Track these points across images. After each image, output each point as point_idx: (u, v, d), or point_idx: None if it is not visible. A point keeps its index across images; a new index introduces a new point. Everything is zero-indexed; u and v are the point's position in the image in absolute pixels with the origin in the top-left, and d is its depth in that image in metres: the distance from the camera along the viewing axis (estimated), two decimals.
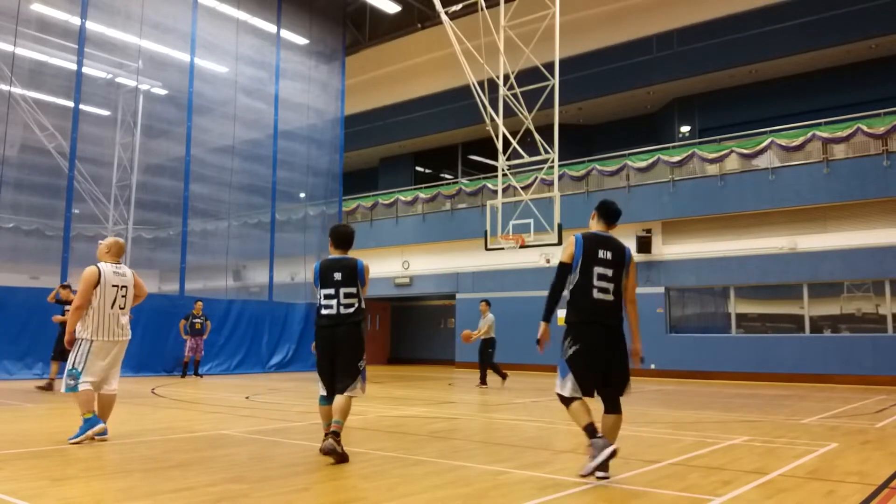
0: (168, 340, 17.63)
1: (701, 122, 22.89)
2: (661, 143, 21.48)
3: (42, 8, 17.04)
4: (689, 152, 19.65)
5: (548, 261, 21.38)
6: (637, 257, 20.31)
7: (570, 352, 5.21)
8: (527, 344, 22.73)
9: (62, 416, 8.40)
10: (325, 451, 5.46)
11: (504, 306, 22.05)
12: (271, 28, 21.62)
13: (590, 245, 5.34)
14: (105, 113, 18.85)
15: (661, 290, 19.85)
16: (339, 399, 5.64)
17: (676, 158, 19.83)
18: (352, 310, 5.78)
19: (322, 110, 23.31)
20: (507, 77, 16.91)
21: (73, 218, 16.76)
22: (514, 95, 16.71)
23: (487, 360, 14.61)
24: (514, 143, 16.75)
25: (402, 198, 25.68)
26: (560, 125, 16.47)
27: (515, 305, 21.41)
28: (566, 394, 5.07)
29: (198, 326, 17.15)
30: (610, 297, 5.29)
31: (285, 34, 22.00)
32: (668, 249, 20.05)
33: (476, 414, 9.13)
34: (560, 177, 18.48)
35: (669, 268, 19.90)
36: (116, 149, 18.63)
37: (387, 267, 25.89)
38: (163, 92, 19.90)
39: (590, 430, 4.91)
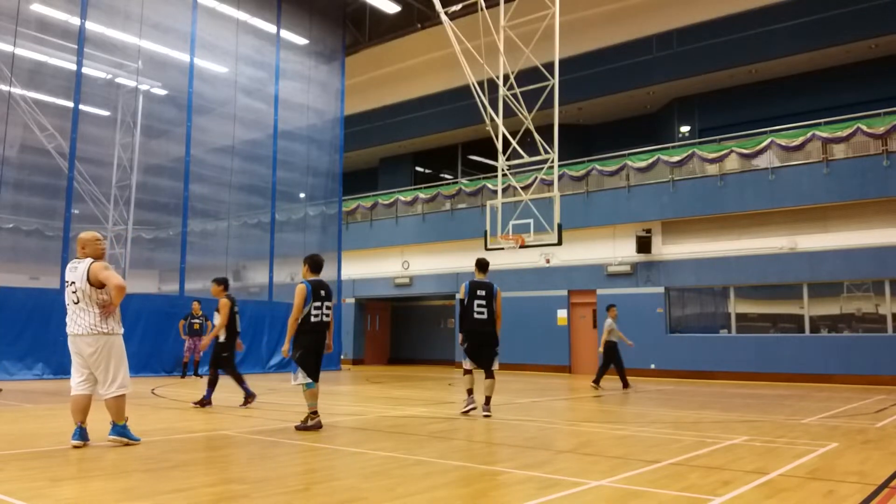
0: (168, 341, 17.62)
1: (701, 121, 22.89)
2: (661, 143, 21.48)
3: (42, 8, 17.03)
4: (689, 152, 19.64)
5: (548, 261, 21.38)
6: (637, 257, 20.32)
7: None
8: (527, 344, 22.80)
9: (60, 418, 8.39)
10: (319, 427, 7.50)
11: (505, 306, 22.06)
12: (271, 28, 21.61)
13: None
14: (105, 113, 18.84)
15: (661, 290, 19.85)
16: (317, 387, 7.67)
17: (676, 158, 19.82)
18: (329, 318, 7.82)
19: (322, 110, 23.31)
20: (506, 77, 16.90)
21: (73, 218, 16.74)
22: (514, 95, 16.69)
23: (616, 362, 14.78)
24: (514, 143, 16.74)
25: (402, 198, 25.67)
26: (560, 125, 16.46)
27: (515, 305, 21.40)
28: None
29: (196, 327, 17.15)
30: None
31: (285, 34, 22.00)
32: (667, 249, 20.05)
33: (476, 414, 9.12)
34: (560, 177, 18.49)
35: (669, 268, 19.90)
36: (116, 149, 18.61)
37: (387, 267, 25.89)
38: (163, 92, 19.89)
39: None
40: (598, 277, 21.04)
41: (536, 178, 18.51)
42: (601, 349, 14.82)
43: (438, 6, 16.90)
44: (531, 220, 16.27)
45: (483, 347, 9.10)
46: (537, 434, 7.62)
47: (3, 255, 15.93)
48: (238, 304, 10.34)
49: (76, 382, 6.24)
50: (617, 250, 20.85)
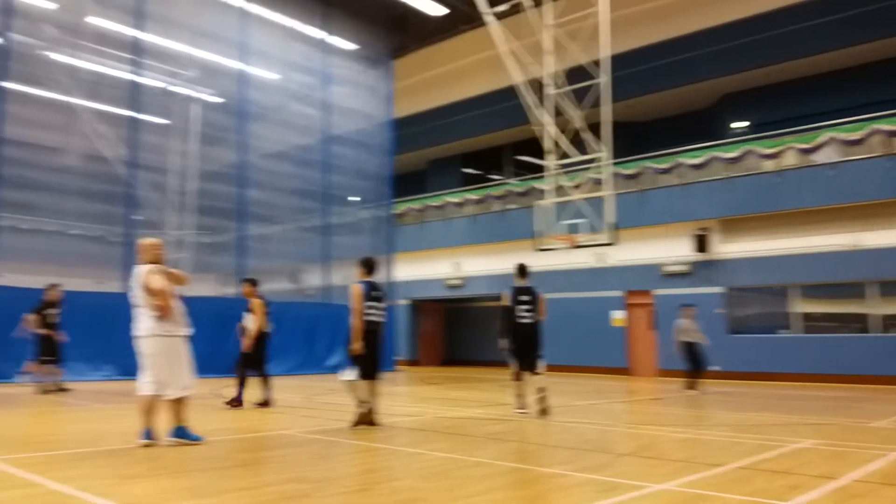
0: (228, 343, 18.01)
1: (755, 117, 22.27)
2: (713, 139, 20.96)
3: (100, 21, 17.61)
4: (745, 148, 19.13)
5: (601, 261, 21.13)
6: (694, 256, 19.90)
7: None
8: (581, 345, 22.53)
9: (128, 417, 8.66)
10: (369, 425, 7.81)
11: (556, 308, 21.86)
12: (320, 34, 21.92)
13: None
14: (163, 121, 19.41)
15: (720, 290, 19.38)
16: (376, 384, 7.97)
17: (731, 155, 19.34)
18: (384, 318, 8.12)
19: (371, 114, 23.53)
20: (554, 76, 16.77)
21: (135, 224, 17.32)
22: (562, 94, 16.56)
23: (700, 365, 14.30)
24: (563, 142, 16.61)
25: (452, 200, 25.69)
26: (611, 122, 16.24)
27: (568, 307, 21.22)
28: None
29: None
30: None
31: (333, 40, 22.27)
32: (725, 248, 19.56)
33: (533, 416, 9.07)
34: (612, 175, 18.24)
35: (728, 267, 19.41)
36: (174, 156, 19.15)
37: (438, 269, 25.94)
38: (217, 100, 20.38)
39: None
40: (654, 278, 20.68)
41: (588, 177, 18.32)
42: (679, 351, 14.32)
43: (483, 7, 16.89)
44: (583, 220, 16.10)
45: (530, 349, 9.45)
46: (595, 437, 7.53)
47: (70, 260, 16.52)
48: (270, 304, 10.44)
49: (143, 383, 6.42)
50: (672, 250, 20.45)
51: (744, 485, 4.86)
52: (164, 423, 6.54)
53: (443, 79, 27.67)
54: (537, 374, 9.43)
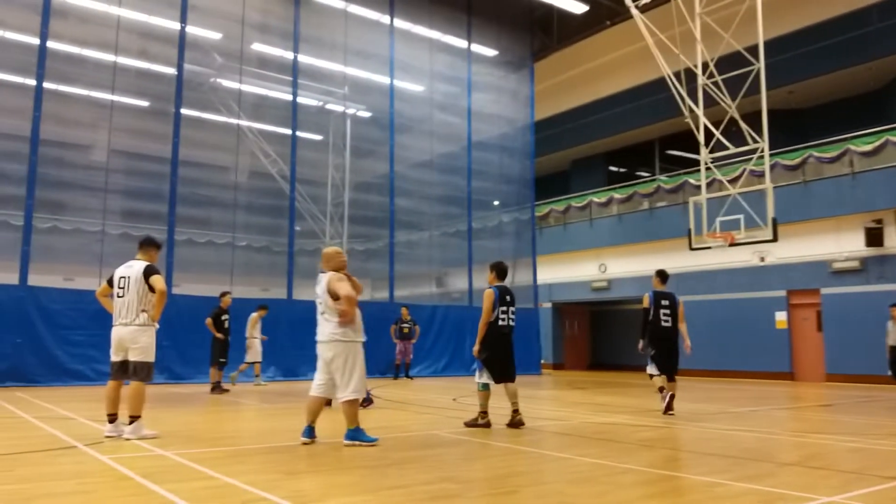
0: (381, 345, 18.81)
1: None
2: (889, 123, 19.06)
3: (261, 47, 19.07)
4: None
5: (762, 259, 19.88)
6: (866, 251, 18.24)
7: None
8: (740, 349, 21.34)
9: (291, 416, 9.28)
10: (517, 425, 7.93)
11: (713, 310, 20.84)
12: (462, 44, 22.37)
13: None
14: (318, 137, 20.65)
15: None
16: (512, 386, 8.10)
17: None
18: (514, 323, 8.22)
19: (512, 118, 23.68)
20: (705, 65, 16.02)
21: (296, 235, 18.60)
22: (715, 84, 15.78)
23: None
24: (718, 133, 15.80)
25: (596, 199, 25.22)
26: (769, 111, 15.27)
27: (726, 308, 20.16)
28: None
29: (405, 331, 18.23)
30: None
31: (475, 48, 22.65)
32: None
33: (687, 423, 8.71)
34: (772, 167, 17.04)
35: None
36: (329, 170, 20.33)
37: (583, 271, 25.54)
38: (367, 114, 21.41)
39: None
40: (821, 275, 19.13)
41: (744, 169, 17.26)
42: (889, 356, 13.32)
43: (628, 0, 16.48)
44: (741, 216, 15.24)
45: (671, 354, 9.79)
46: (756, 445, 7.11)
47: (238, 270, 17.97)
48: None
49: (316, 384, 6.73)
50: (842, 244, 18.83)
51: None
52: (339, 423, 6.88)
53: (585, 77, 27.26)
54: (672, 381, 9.79)
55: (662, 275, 10.15)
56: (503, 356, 8.10)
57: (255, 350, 15.12)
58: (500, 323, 8.04)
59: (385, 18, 20.71)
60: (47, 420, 8.28)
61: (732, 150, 15.69)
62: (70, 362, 14.46)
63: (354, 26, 20.16)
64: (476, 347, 8.11)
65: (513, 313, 8.18)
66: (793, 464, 6.02)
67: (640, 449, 6.72)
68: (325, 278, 6.72)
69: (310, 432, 6.66)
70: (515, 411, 8.01)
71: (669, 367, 9.78)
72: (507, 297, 8.16)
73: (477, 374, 8.18)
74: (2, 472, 5.09)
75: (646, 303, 9.88)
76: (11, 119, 15.30)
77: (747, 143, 15.44)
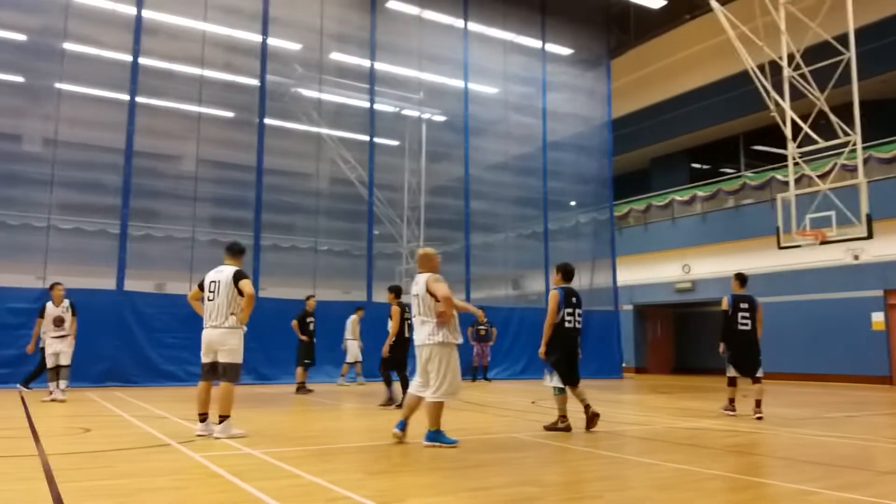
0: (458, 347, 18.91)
1: None
2: None
3: (339, 56, 19.52)
4: None
5: (856, 257, 18.89)
6: None
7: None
8: (834, 352, 20.35)
9: (372, 417, 9.45)
10: (593, 419, 7.91)
11: (804, 310, 19.94)
12: (536, 44, 22.22)
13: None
14: (395, 143, 20.96)
15: None
16: (577, 389, 8.01)
17: None
18: (581, 325, 8.12)
19: (588, 117, 23.33)
20: (791, 57, 15.38)
21: (374, 238, 18.93)
22: (801, 75, 15.12)
23: None
24: (806, 127, 15.13)
25: (678, 198, 24.54)
26: (861, 102, 14.52)
27: (817, 309, 19.25)
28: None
29: (482, 333, 18.23)
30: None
31: (550, 47, 22.45)
32: None
33: (779, 429, 8.37)
34: (865, 160, 16.20)
35: None
36: (406, 174, 20.60)
37: (665, 272, 24.89)
38: (442, 118, 21.57)
39: None
40: None
41: (835, 164, 16.46)
42: None
43: None
44: (832, 212, 14.54)
45: (749, 356, 9.74)
46: (853, 452, 6.76)
47: (321, 273, 18.44)
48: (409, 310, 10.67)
49: (414, 384, 6.91)
50: None
51: None
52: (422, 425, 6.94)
53: (664, 72, 26.60)
54: (758, 380, 9.66)
55: (741, 278, 10.13)
56: (570, 358, 8.03)
57: (352, 351, 15.77)
58: (567, 325, 7.97)
59: (459, 22, 20.82)
60: (143, 419, 8.72)
61: (822, 143, 15.01)
62: (163, 364, 15.19)
63: (429, 32, 20.37)
64: (542, 349, 8.03)
65: (579, 315, 8.09)
66: (893, 472, 5.70)
67: (728, 455, 6.51)
68: (423, 279, 6.78)
69: (402, 425, 6.78)
70: (587, 406, 7.93)
71: (748, 369, 9.70)
72: (573, 299, 8.08)
73: (547, 377, 8.09)
74: (103, 468, 5.40)
75: (724, 305, 9.93)
76: (108, 133, 16.21)
77: (838, 136, 14.73)
